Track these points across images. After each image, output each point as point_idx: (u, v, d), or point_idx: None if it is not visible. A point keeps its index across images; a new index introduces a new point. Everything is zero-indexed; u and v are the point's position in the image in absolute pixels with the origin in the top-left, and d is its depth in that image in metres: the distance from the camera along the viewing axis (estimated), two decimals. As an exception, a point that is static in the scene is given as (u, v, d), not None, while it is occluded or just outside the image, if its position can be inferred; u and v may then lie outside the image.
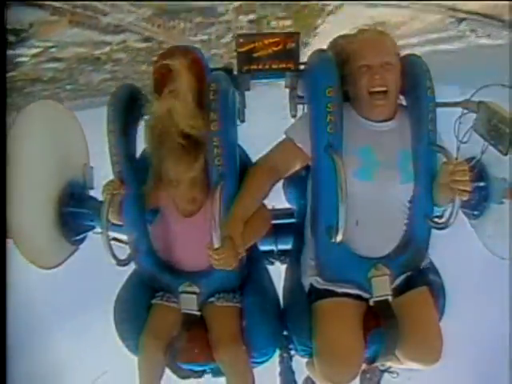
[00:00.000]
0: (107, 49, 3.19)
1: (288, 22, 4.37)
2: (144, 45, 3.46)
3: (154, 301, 1.50)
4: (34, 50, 2.55)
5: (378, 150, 1.36)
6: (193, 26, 3.55)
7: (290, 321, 1.47)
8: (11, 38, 2.14)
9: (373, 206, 1.37)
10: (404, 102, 1.47)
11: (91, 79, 3.95)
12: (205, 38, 4.00)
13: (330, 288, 1.40)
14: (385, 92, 1.34)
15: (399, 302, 1.39)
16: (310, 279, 1.45)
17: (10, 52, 2.32)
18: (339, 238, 1.28)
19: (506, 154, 1.48)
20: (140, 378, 1.45)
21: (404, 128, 1.40)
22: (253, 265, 1.55)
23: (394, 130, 1.40)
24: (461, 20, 3.06)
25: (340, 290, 1.40)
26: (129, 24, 2.82)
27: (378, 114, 1.38)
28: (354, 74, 1.36)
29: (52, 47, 2.65)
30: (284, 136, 1.45)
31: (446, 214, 1.33)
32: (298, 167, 1.45)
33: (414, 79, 1.38)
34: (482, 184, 1.66)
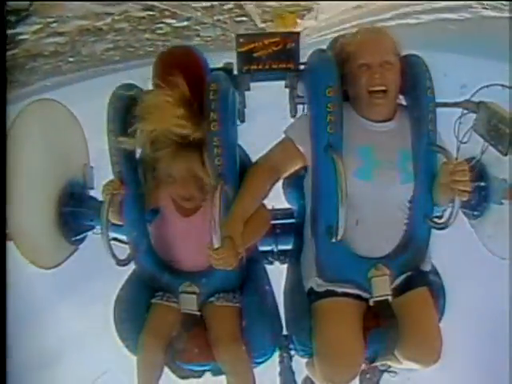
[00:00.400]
0: (109, 19, 3.17)
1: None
2: (146, 13, 3.44)
3: (153, 300, 1.50)
4: (35, 27, 2.53)
5: (378, 150, 1.36)
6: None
7: (290, 321, 1.47)
8: (11, 18, 2.12)
9: (373, 205, 1.36)
10: (404, 102, 1.47)
11: (94, 50, 3.94)
12: (208, 4, 3.98)
13: (330, 288, 1.40)
14: (384, 91, 1.34)
15: (399, 302, 1.39)
16: (310, 281, 1.44)
17: (10, 31, 2.30)
18: (339, 237, 1.28)
19: (505, 154, 1.48)
20: (138, 377, 1.45)
21: (404, 128, 1.40)
22: (252, 265, 1.54)
23: (393, 130, 1.39)
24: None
25: (340, 290, 1.40)
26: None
27: (377, 114, 1.38)
28: (353, 74, 1.36)
29: (53, 22, 2.64)
30: (283, 135, 1.45)
31: (446, 214, 1.34)
32: (297, 167, 1.45)
33: (413, 79, 1.38)
34: (481, 184, 1.66)
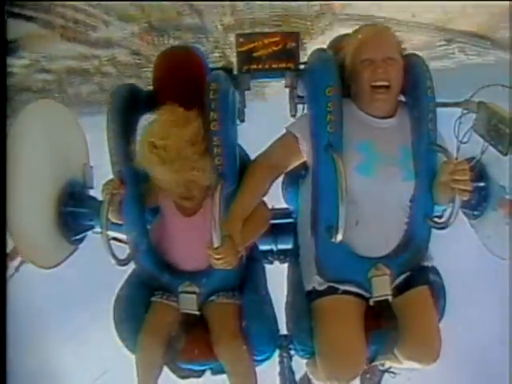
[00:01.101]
0: (96, 62, 3.25)
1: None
2: (132, 59, 3.52)
3: (153, 298, 1.49)
4: (24, 61, 2.58)
5: (379, 146, 1.35)
6: (181, 43, 3.62)
7: (290, 321, 1.47)
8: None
9: (374, 203, 1.36)
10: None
11: (79, 91, 4.04)
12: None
13: (332, 285, 1.39)
14: (387, 87, 1.33)
15: (399, 302, 1.39)
16: (312, 280, 1.44)
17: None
18: (339, 237, 1.28)
19: (505, 155, 1.48)
20: (138, 375, 1.44)
21: (404, 125, 1.40)
22: (251, 264, 1.54)
23: (394, 127, 1.39)
24: (450, 40, 3.08)
25: (341, 288, 1.39)
26: (118, 39, 2.87)
27: (378, 109, 1.37)
28: (356, 69, 1.35)
29: (42, 59, 2.70)
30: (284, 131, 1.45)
31: (446, 214, 1.33)
32: (298, 162, 1.44)
33: (414, 79, 1.38)
34: (481, 184, 1.66)
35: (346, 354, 1.30)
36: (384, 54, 1.32)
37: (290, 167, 1.45)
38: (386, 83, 1.32)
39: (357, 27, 1.44)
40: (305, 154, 1.41)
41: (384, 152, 1.35)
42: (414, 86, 1.38)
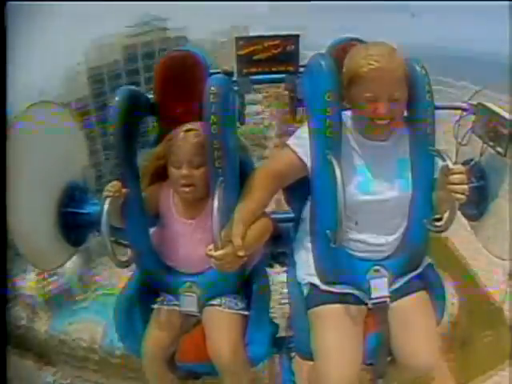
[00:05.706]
0: None
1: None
2: None
3: (155, 306, 1.50)
4: None
5: (377, 164, 1.37)
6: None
7: (290, 322, 1.48)
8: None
9: (373, 212, 1.37)
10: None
11: None
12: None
13: (329, 289, 1.40)
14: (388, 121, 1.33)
15: (397, 308, 1.39)
16: (309, 280, 1.44)
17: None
18: (338, 242, 1.28)
19: (504, 155, 1.49)
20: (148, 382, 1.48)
21: (402, 139, 1.40)
22: (256, 270, 1.54)
23: (391, 145, 1.40)
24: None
25: (339, 291, 1.39)
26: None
27: (377, 136, 1.38)
28: (358, 100, 1.32)
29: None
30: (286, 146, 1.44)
31: (445, 217, 1.34)
32: (299, 176, 1.43)
33: (413, 84, 1.36)
34: (480, 185, 1.66)
35: (341, 365, 1.30)
36: (389, 93, 1.29)
37: (292, 180, 1.43)
38: (387, 121, 1.32)
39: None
40: (307, 168, 1.39)
41: (381, 168, 1.37)
42: (412, 91, 1.37)
